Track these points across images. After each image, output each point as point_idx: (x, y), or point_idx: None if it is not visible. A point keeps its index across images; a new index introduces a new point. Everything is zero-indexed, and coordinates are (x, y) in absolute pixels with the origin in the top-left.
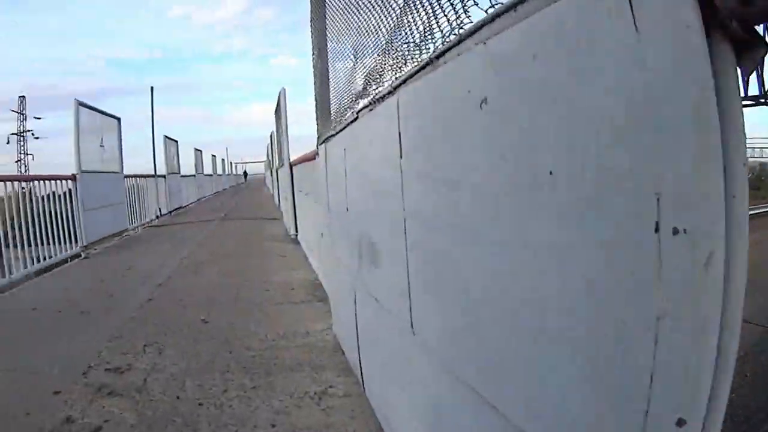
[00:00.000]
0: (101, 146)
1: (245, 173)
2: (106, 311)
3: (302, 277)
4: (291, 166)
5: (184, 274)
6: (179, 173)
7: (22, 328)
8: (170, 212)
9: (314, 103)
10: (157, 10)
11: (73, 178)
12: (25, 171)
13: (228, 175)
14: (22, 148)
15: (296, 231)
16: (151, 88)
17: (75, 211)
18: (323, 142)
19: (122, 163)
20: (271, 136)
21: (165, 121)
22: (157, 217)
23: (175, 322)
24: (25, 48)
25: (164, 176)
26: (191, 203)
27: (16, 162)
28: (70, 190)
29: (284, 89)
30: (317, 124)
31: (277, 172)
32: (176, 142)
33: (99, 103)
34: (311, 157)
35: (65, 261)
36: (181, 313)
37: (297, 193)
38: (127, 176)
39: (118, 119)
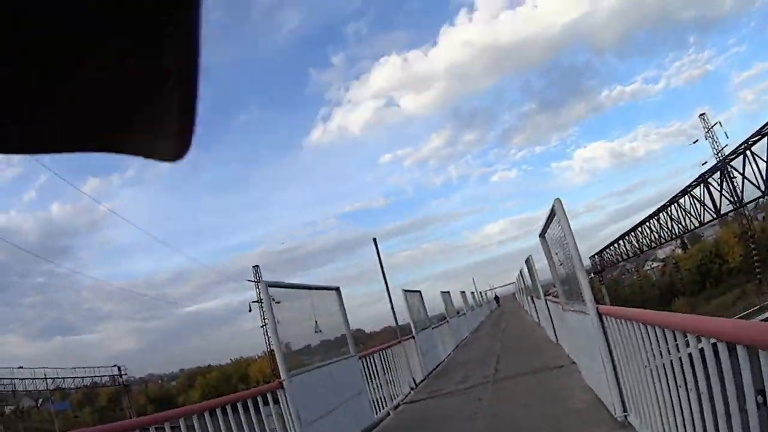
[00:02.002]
0: (317, 331)
1: (497, 298)
2: None
3: None
4: (600, 315)
5: None
6: (429, 326)
7: None
8: (427, 376)
9: None
10: (370, 160)
11: (280, 386)
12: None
13: (480, 306)
14: (263, 313)
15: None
16: (374, 239)
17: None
18: None
19: (352, 340)
20: (527, 261)
21: (400, 263)
22: (412, 388)
23: None
24: (259, 221)
25: (413, 336)
26: (449, 354)
27: (261, 327)
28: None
29: (559, 200)
30: None
31: (546, 303)
32: (418, 292)
33: (336, 258)
34: None
35: None
36: None
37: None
38: (363, 356)
39: (337, 289)
